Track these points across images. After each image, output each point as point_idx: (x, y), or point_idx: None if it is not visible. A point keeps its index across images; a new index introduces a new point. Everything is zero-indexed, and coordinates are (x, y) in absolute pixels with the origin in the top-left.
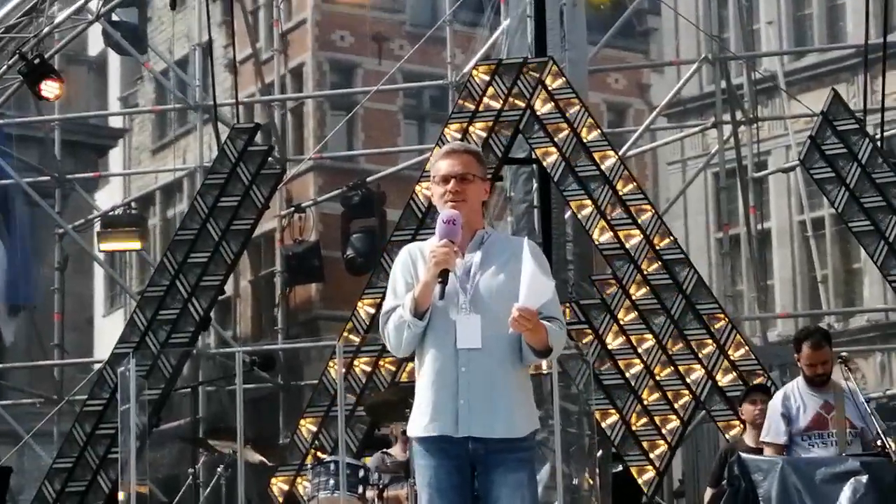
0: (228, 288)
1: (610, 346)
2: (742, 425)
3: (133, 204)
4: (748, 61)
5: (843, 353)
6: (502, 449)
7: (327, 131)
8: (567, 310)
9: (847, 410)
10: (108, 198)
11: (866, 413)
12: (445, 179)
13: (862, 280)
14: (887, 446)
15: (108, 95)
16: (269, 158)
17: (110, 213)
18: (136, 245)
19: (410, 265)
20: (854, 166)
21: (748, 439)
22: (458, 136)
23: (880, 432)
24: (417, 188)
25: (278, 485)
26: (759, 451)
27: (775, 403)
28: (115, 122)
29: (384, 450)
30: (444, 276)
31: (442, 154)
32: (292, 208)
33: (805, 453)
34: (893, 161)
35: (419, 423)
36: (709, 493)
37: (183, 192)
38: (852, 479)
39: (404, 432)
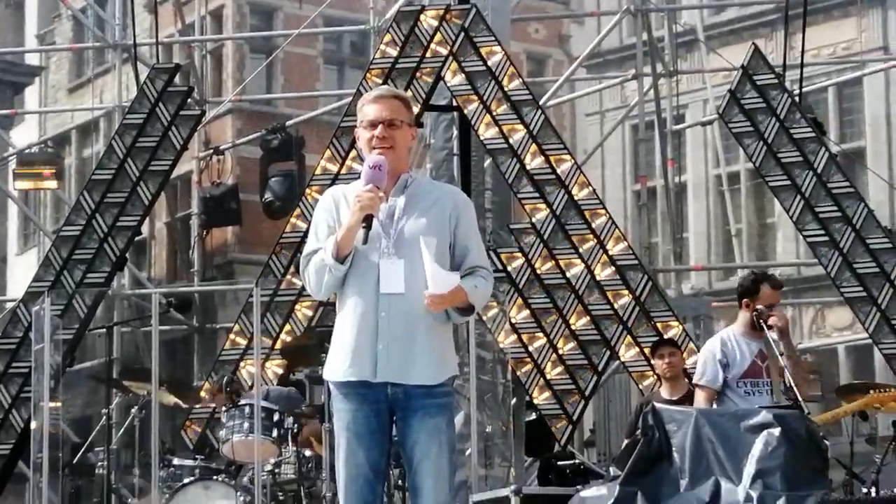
0: (144, 229)
1: (527, 296)
2: (657, 378)
3: (49, 142)
4: (669, 14)
5: (759, 307)
6: (420, 394)
7: (246, 74)
8: None
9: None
10: (23, 136)
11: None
12: (373, 125)
13: (775, 235)
14: (799, 399)
15: (24, 32)
16: (189, 100)
17: (26, 151)
18: (52, 184)
19: (333, 209)
20: (772, 121)
21: (664, 392)
22: (380, 81)
23: (793, 384)
24: (337, 133)
25: (192, 427)
26: (675, 404)
27: (712, 348)
28: (32, 60)
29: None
30: (367, 220)
31: (370, 99)
32: (211, 150)
33: (740, 400)
34: (811, 116)
35: (337, 367)
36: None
37: (100, 131)
38: (765, 432)
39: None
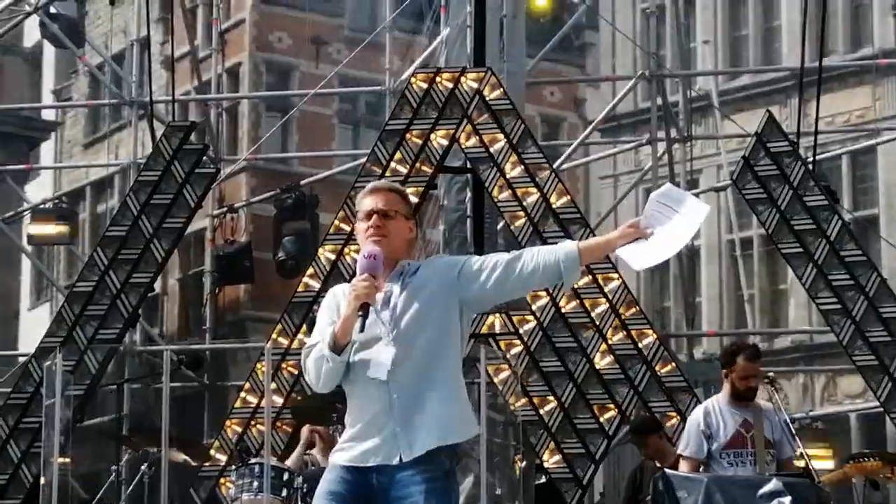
0: (156, 285)
1: (538, 358)
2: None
3: (64, 198)
4: (683, 79)
5: (770, 374)
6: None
7: (262, 132)
8: (497, 319)
9: (765, 430)
10: (38, 190)
11: (790, 433)
12: (368, 215)
13: (787, 301)
14: (810, 467)
15: (41, 87)
16: (204, 158)
17: (40, 206)
18: (66, 239)
19: (335, 306)
20: (786, 188)
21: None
22: (395, 141)
23: (804, 452)
24: (351, 193)
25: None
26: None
27: (696, 418)
28: (48, 115)
29: (306, 453)
30: (364, 309)
31: (366, 191)
32: (225, 208)
33: (722, 471)
34: (825, 184)
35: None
36: None
37: (114, 187)
38: (776, 501)
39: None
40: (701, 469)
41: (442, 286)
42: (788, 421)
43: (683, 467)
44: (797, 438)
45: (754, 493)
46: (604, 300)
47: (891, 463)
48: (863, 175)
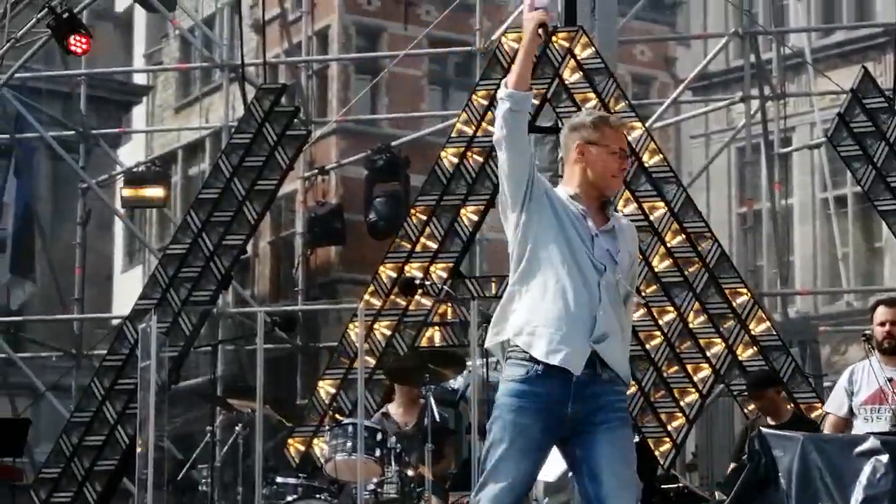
0: (248, 248)
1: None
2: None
3: (156, 161)
4: (776, 36)
5: (867, 331)
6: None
7: (351, 94)
8: None
9: None
10: (131, 154)
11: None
12: (620, 154)
13: (882, 259)
14: None
15: (133, 52)
16: (295, 120)
17: (133, 170)
18: (160, 203)
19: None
20: (882, 145)
21: (770, 419)
22: (486, 102)
23: None
24: (442, 154)
25: (295, 445)
26: (780, 429)
27: (843, 377)
28: (140, 79)
29: (383, 410)
30: (543, 28)
31: (615, 122)
32: (315, 170)
33: (864, 426)
34: None
35: (543, 347)
36: (731, 468)
37: (206, 150)
38: (873, 458)
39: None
40: (845, 427)
41: (630, 256)
42: (891, 379)
43: (826, 424)
44: None
45: (851, 451)
46: (697, 260)
47: None
48: None
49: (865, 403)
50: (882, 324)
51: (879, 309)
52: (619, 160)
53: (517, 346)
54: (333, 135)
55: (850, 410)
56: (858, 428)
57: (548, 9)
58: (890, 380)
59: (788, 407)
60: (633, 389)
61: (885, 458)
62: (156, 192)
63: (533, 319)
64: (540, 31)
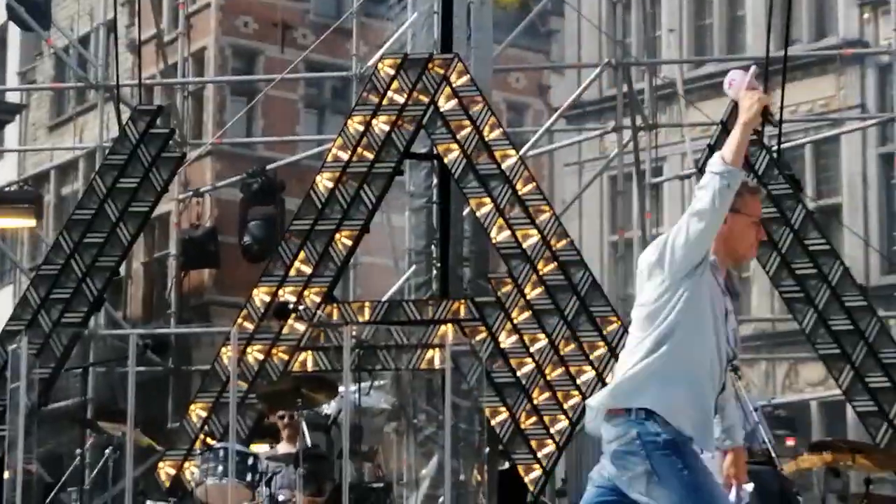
0: (121, 269)
1: (503, 345)
2: None
3: (28, 180)
4: (649, 67)
5: (734, 361)
6: None
7: (227, 117)
8: (462, 306)
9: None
10: (2, 173)
11: (755, 421)
12: (759, 224)
13: (750, 289)
14: (773, 455)
15: (6, 69)
16: (170, 142)
17: (5, 189)
18: (31, 222)
19: None
20: (750, 177)
21: None
22: (361, 128)
23: (767, 440)
24: (318, 178)
25: (166, 469)
26: None
27: None
28: (13, 98)
29: (271, 445)
30: (765, 114)
31: (756, 191)
32: (190, 192)
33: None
34: (789, 173)
35: (686, 420)
36: None
37: (79, 171)
38: (739, 487)
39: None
40: None
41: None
42: (753, 409)
43: None
44: (762, 427)
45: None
46: (569, 287)
47: (851, 451)
48: (826, 164)
49: None
50: None
51: None
52: (758, 230)
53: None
54: (209, 157)
55: None
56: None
57: (755, 85)
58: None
59: None
60: (503, 416)
61: (749, 486)
62: (26, 212)
63: (675, 395)
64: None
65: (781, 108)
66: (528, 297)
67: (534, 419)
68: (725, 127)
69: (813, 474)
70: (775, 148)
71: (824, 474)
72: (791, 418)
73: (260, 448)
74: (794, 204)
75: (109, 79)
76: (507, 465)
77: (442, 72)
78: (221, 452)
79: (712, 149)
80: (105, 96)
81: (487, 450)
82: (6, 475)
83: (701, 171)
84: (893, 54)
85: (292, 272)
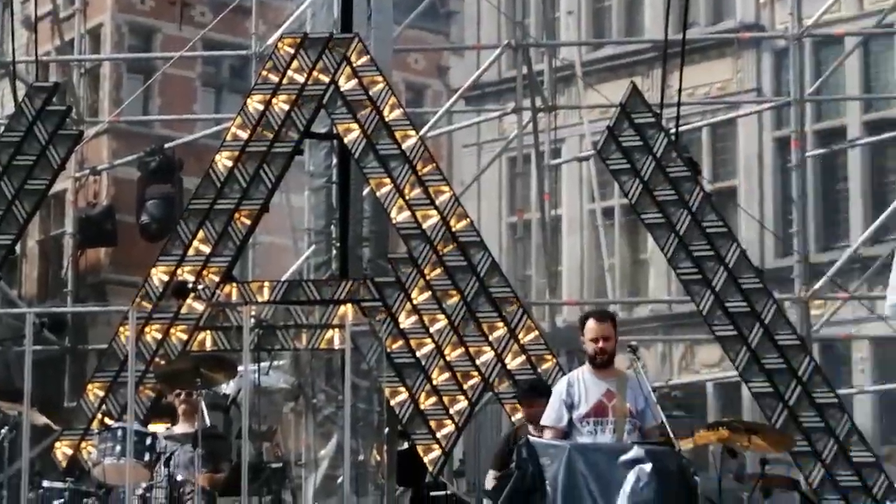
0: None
1: (402, 325)
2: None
3: None
4: (548, 49)
5: (633, 342)
6: None
7: (123, 94)
8: (362, 287)
9: (627, 399)
10: None
11: (652, 402)
12: None
13: (647, 271)
14: (671, 435)
15: None
16: (67, 119)
17: None
18: None
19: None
20: (649, 159)
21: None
22: (261, 107)
23: (664, 421)
24: (217, 157)
25: (62, 449)
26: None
27: (559, 389)
28: None
29: (169, 424)
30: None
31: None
32: (87, 171)
33: (583, 439)
34: (687, 156)
35: None
36: (491, 475)
37: None
38: (637, 467)
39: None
40: (563, 439)
41: None
42: (651, 390)
43: (546, 436)
44: (659, 407)
45: (616, 459)
46: (468, 268)
47: (748, 431)
48: (722, 147)
49: (588, 416)
50: (594, 340)
51: (589, 323)
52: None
53: None
54: (105, 135)
55: (570, 423)
56: (580, 441)
57: None
58: (608, 392)
59: None
60: (403, 396)
61: (648, 466)
62: None
63: None
64: None
65: (680, 90)
66: (427, 278)
67: (433, 400)
68: (624, 109)
69: (710, 454)
70: (673, 131)
71: (721, 454)
72: (687, 399)
73: (158, 428)
74: (692, 186)
75: (5, 55)
76: (406, 445)
77: (342, 51)
78: (119, 432)
79: (611, 131)
80: (0, 73)
81: (387, 430)
82: None
83: (599, 153)
84: (789, 39)
85: (191, 251)
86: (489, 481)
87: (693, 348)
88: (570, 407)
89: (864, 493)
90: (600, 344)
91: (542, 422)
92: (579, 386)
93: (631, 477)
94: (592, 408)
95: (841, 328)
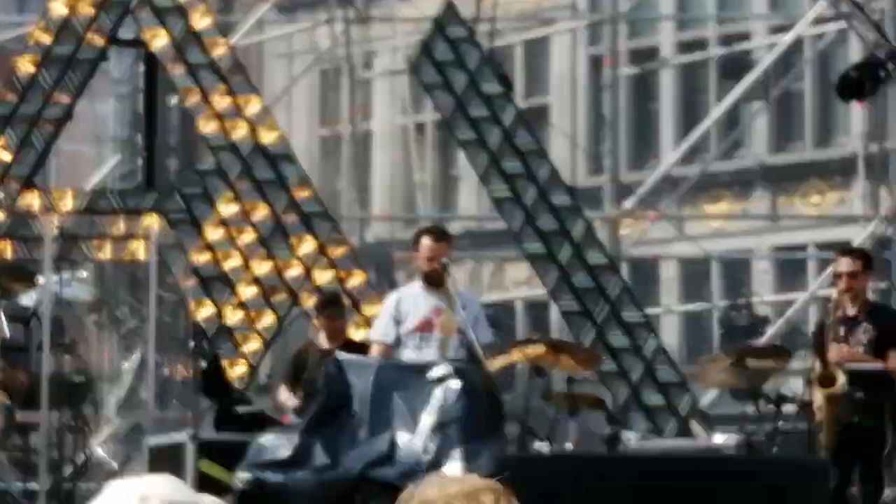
0: None
1: (209, 238)
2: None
3: None
4: None
5: (443, 259)
6: None
7: None
8: (168, 198)
9: (456, 317)
10: None
11: (481, 320)
12: None
13: (458, 187)
14: (478, 353)
15: None
16: None
17: None
18: None
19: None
20: (462, 74)
21: (322, 341)
22: (65, 11)
23: (473, 339)
24: (19, 62)
25: None
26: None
27: (388, 304)
28: None
29: None
30: None
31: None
32: None
33: (411, 354)
34: (500, 72)
35: None
36: (283, 389)
37: None
38: (445, 384)
39: None
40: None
41: None
42: (481, 308)
43: (373, 351)
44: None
45: (424, 376)
46: (277, 181)
47: (555, 349)
48: (536, 64)
49: (414, 331)
50: (430, 258)
51: (425, 240)
52: None
53: None
54: None
55: (398, 338)
56: (406, 356)
57: None
58: (437, 308)
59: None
60: (209, 310)
61: (456, 384)
62: None
63: None
64: None
65: (494, 5)
66: (235, 190)
67: (240, 315)
68: (438, 23)
69: (517, 373)
70: (487, 46)
71: (528, 372)
72: (497, 317)
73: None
74: (505, 103)
75: None
76: (211, 359)
77: None
78: None
79: (425, 45)
80: None
81: (192, 344)
82: None
83: (412, 67)
84: None
85: None
86: (282, 395)
87: (503, 266)
88: (399, 322)
89: (670, 413)
90: (435, 264)
91: (370, 337)
92: (408, 301)
93: (439, 394)
94: (419, 323)
95: (650, 248)
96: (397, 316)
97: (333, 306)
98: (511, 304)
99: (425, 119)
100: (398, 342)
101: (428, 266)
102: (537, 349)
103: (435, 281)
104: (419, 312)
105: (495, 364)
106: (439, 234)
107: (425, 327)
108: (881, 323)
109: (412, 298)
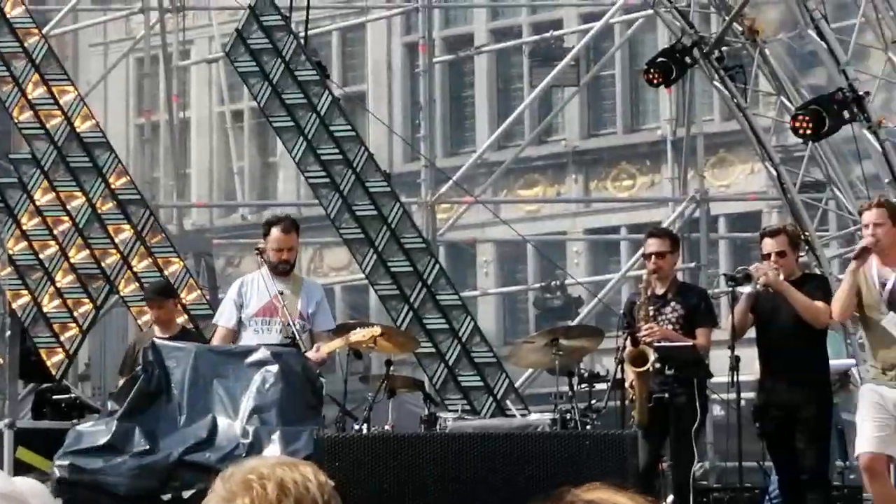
0: None
1: (24, 227)
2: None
3: None
4: None
5: (261, 245)
6: None
7: None
8: None
9: (300, 301)
10: None
11: (324, 307)
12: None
13: (277, 174)
14: (297, 338)
15: None
16: None
17: None
18: None
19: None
20: (278, 62)
21: (155, 331)
22: None
23: (291, 322)
24: None
25: None
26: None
27: (232, 290)
28: None
29: None
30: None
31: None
32: None
33: (254, 338)
34: (316, 60)
35: None
36: (121, 381)
37: None
38: (263, 369)
39: None
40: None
41: None
42: (324, 295)
43: (216, 336)
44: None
45: (242, 361)
46: (94, 170)
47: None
48: (352, 51)
49: (256, 315)
50: (279, 250)
51: (274, 232)
52: None
53: None
54: None
55: (240, 322)
56: (249, 339)
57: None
58: (280, 293)
59: (180, 320)
60: (25, 299)
61: (274, 367)
62: None
63: None
64: None
65: None
66: (51, 179)
67: (57, 302)
68: (253, 11)
69: (336, 356)
70: (302, 34)
71: (347, 356)
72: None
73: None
74: (321, 90)
75: None
76: (30, 348)
77: None
78: None
79: (240, 33)
80: None
81: (9, 333)
82: None
83: (228, 55)
84: None
85: None
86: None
87: (322, 251)
88: (241, 307)
89: (486, 392)
90: (284, 255)
91: (215, 321)
92: (251, 286)
93: (257, 378)
94: (261, 308)
95: (466, 232)
96: (239, 300)
97: (161, 295)
98: (330, 289)
99: (242, 107)
100: (241, 325)
101: (276, 257)
102: (373, 331)
103: (283, 271)
104: (262, 297)
105: (328, 348)
106: (287, 226)
107: (267, 312)
108: (689, 301)
109: (256, 283)
